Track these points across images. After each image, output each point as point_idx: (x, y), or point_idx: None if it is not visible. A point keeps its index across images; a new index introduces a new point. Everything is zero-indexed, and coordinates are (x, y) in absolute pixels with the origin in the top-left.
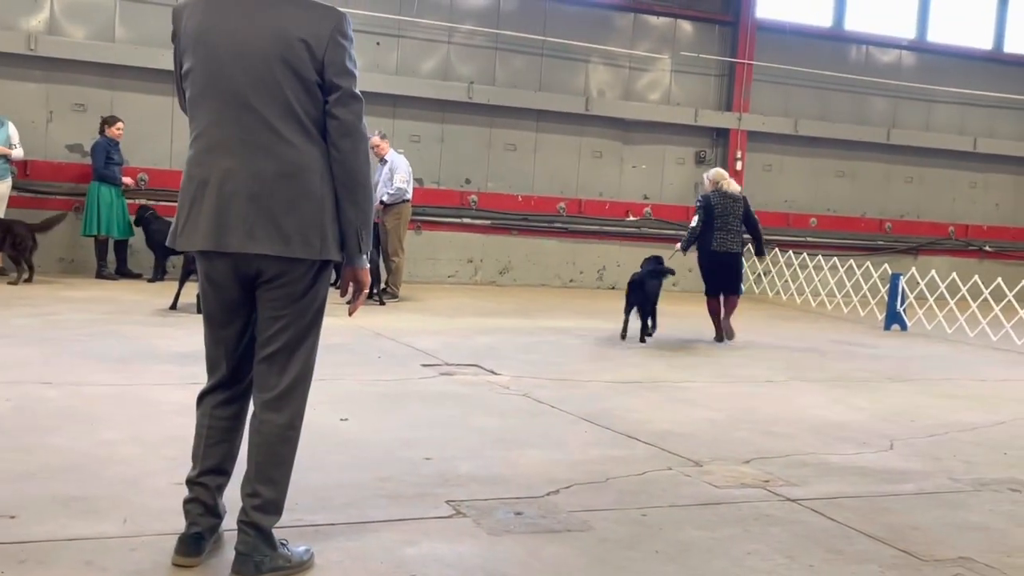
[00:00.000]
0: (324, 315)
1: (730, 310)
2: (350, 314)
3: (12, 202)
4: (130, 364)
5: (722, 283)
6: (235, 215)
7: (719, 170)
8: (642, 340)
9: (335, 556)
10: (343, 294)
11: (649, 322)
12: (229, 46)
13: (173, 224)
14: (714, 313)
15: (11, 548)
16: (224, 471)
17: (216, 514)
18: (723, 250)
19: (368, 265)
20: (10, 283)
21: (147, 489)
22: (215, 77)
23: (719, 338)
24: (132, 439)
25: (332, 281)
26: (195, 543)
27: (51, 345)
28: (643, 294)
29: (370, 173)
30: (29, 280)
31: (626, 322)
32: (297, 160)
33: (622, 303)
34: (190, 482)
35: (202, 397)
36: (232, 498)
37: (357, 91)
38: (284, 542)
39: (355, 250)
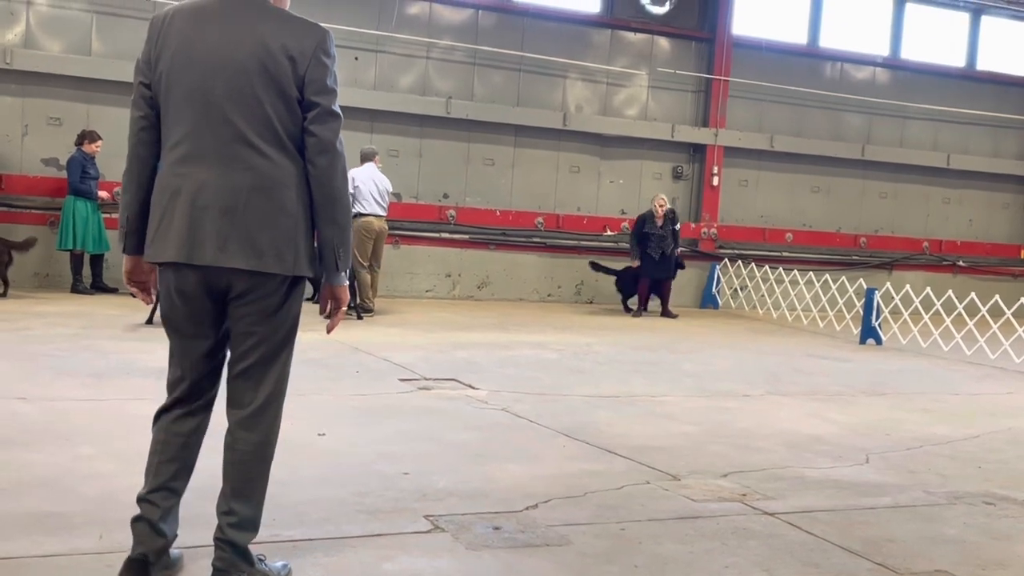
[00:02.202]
0: (298, 331)
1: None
2: (329, 331)
3: None
4: (105, 379)
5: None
6: (208, 228)
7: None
8: (634, 311)
9: (313, 572)
10: (323, 311)
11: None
12: (210, 58)
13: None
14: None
15: None
16: (174, 490)
17: (162, 533)
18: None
19: (347, 282)
20: None
21: (123, 504)
22: (194, 88)
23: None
24: (107, 454)
25: (310, 296)
26: (138, 568)
27: (26, 360)
28: (634, 284)
29: (347, 190)
30: (3, 295)
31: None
32: (273, 174)
33: (600, 318)
34: (139, 500)
35: (160, 414)
36: (208, 514)
37: (336, 109)
38: (262, 557)
39: (332, 267)
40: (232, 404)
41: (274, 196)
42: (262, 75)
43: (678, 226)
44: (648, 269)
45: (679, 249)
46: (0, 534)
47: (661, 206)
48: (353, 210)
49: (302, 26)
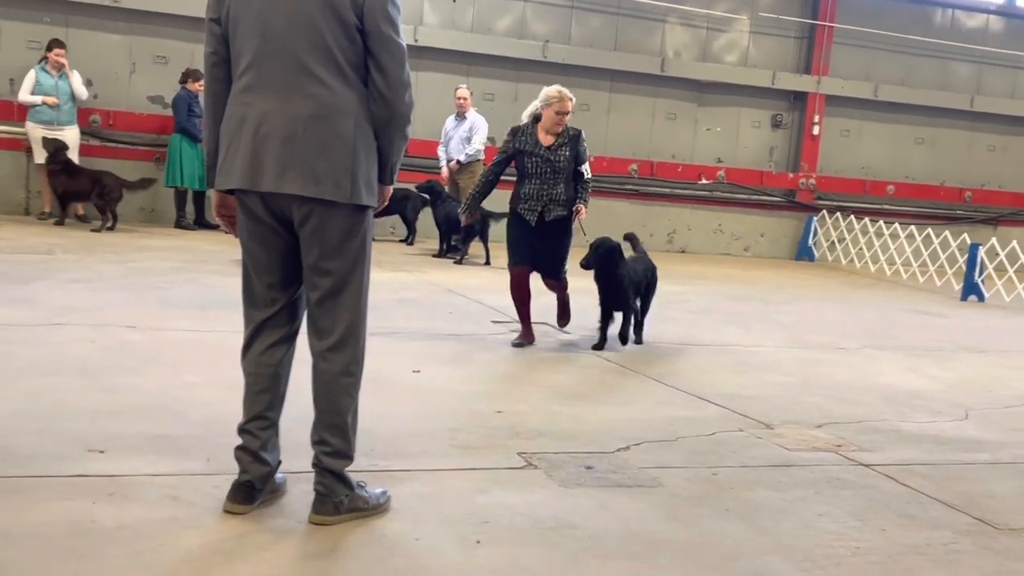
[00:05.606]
0: (368, 264)
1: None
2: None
3: (94, 152)
4: (209, 311)
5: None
6: (269, 155)
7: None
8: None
9: (410, 501)
10: None
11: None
12: None
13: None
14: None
15: (100, 481)
16: (269, 419)
17: (265, 462)
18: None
19: (391, 188)
20: (93, 230)
21: (228, 431)
22: (256, 19)
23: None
24: (212, 383)
25: (403, 238)
26: (246, 491)
27: (133, 291)
28: None
29: (410, 118)
30: (112, 228)
31: None
32: (331, 102)
33: (693, 267)
34: (239, 430)
35: (246, 347)
36: (303, 441)
37: (399, 38)
38: (362, 484)
39: (385, 175)
40: (312, 335)
41: (332, 124)
42: (321, 3)
43: (586, 167)
44: (518, 245)
45: (582, 204)
46: (115, 453)
47: (562, 114)
48: (481, 156)
49: None
